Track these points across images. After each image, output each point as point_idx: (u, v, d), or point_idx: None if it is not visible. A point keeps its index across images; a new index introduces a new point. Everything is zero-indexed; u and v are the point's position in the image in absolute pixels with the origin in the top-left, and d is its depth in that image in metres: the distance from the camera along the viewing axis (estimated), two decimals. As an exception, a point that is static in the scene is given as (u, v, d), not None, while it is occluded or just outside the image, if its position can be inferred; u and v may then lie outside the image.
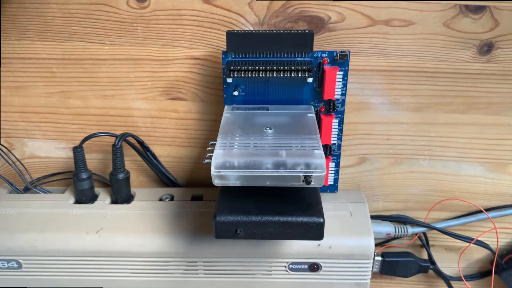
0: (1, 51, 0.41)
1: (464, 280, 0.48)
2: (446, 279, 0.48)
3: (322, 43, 0.40)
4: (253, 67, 0.35)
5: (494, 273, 0.47)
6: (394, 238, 0.46)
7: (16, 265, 0.39)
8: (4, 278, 0.40)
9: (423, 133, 0.43)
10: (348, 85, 0.39)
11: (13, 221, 0.40)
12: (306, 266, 0.39)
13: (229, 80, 0.37)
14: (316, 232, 0.31)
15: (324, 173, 0.29)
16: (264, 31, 0.35)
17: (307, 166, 0.30)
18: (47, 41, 0.41)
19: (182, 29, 0.40)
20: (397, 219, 0.46)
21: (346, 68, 0.38)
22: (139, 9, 0.39)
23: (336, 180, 0.42)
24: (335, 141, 0.40)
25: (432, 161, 0.44)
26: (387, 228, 0.45)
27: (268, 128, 0.34)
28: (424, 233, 0.47)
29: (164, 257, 0.39)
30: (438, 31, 0.39)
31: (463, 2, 0.38)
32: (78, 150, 0.41)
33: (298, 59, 0.36)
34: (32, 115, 0.44)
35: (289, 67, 0.35)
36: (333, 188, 0.43)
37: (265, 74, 0.35)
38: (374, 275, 0.48)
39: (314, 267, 0.39)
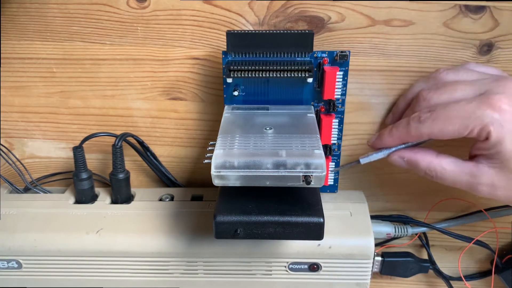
0: (1, 51, 0.41)
1: (464, 280, 0.48)
2: (446, 279, 0.48)
3: (322, 43, 0.40)
4: (253, 67, 0.35)
5: (494, 273, 0.47)
6: (394, 238, 0.46)
7: (16, 265, 0.39)
8: (4, 278, 0.40)
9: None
10: (348, 85, 0.39)
11: (13, 221, 0.40)
12: (306, 266, 0.39)
13: (229, 80, 0.37)
14: (316, 232, 0.31)
15: (324, 173, 0.29)
16: (264, 31, 0.35)
17: (307, 166, 0.30)
18: (47, 41, 0.41)
19: (182, 29, 0.40)
20: (397, 219, 0.46)
21: (346, 68, 0.38)
22: (139, 9, 0.39)
23: (336, 180, 0.42)
24: (335, 141, 0.40)
25: (432, 161, 0.44)
26: (387, 228, 0.45)
27: (268, 128, 0.34)
28: (424, 233, 0.47)
29: (164, 257, 0.39)
30: (438, 31, 0.39)
31: (463, 2, 0.38)
32: (78, 150, 0.41)
33: (298, 59, 0.36)
34: (32, 115, 0.44)
35: (289, 67, 0.35)
36: (333, 188, 0.43)
37: (265, 74, 0.35)
38: (374, 275, 0.48)
39: (314, 267, 0.39)
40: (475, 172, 0.33)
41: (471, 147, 0.34)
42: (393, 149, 0.36)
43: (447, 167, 0.34)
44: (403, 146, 0.36)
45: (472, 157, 0.34)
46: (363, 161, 0.37)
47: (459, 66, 0.39)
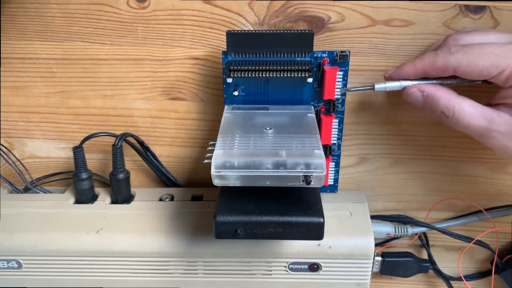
0: (1, 51, 0.41)
1: (464, 280, 0.48)
2: (446, 279, 0.48)
3: (322, 43, 0.40)
4: (253, 67, 0.35)
5: (494, 273, 0.47)
6: (394, 238, 0.46)
7: (16, 265, 0.39)
8: (4, 278, 0.40)
9: (423, 133, 0.43)
10: (348, 85, 0.39)
11: (13, 221, 0.40)
12: (306, 266, 0.39)
13: (229, 80, 0.37)
14: (316, 232, 0.31)
15: (324, 173, 0.29)
16: (264, 31, 0.35)
17: (307, 166, 0.30)
18: (47, 41, 0.41)
19: (182, 29, 0.40)
20: (397, 219, 0.46)
21: (346, 68, 0.38)
22: (139, 9, 0.39)
23: (336, 180, 0.42)
24: (335, 141, 0.40)
25: (432, 161, 0.44)
26: (387, 228, 0.45)
27: (268, 128, 0.34)
28: (424, 233, 0.47)
29: (164, 257, 0.39)
30: (438, 31, 0.39)
31: (463, 2, 0.38)
32: (78, 150, 0.41)
33: (298, 59, 0.36)
34: (32, 115, 0.44)
35: (289, 67, 0.35)
36: (333, 188, 0.43)
37: (265, 74, 0.35)
38: (374, 275, 0.48)
39: (314, 267, 0.39)
40: (495, 117, 0.32)
41: (493, 96, 0.34)
42: (412, 82, 0.35)
43: (466, 108, 0.33)
44: (423, 82, 0.35)
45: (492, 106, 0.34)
46: (378, 87, 0.36)
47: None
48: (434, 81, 0.35)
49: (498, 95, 0.33)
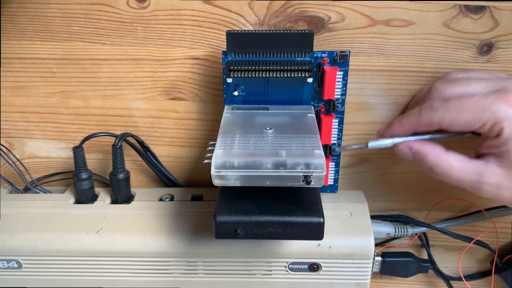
0: (1, 51, 0.41)
1: (464, 280, 0.48)
2: (446, 279, 0.48)
3: (322, 43, 0.40)
4: (253, 67, 0.35)
5: (494, 273, 0.47)
6: (394, 238, 0.46)
7: (16, 265, 0.39)
8: (4, 278, 0.40)
9: (423, 133, 0.43)
10: (348, 85, 0.39)
11: (13, 221, 0.40)
12: (306, 266, 0.39)
13: (229, 80, 0.37)
14: (316, 232, 0.31)
15: (324, 173, 0.29)
16: (264, 31, 0.35)
17: (307, 166, 0.30)
18: (47, 41, 0.41)
19: (182, 29, 0.40)
20: (397, 219, 0.46)
21: (346, 68, 0.38)
22: (139, 9, 0.39)
23: (336, 180, 0.42)
24: (335, 141, 0.40)
25: (432, 161, 0.44)
26: (387, 228, 0.45)
27: (268, 128, 0.34)
28: (424, 233, 0.47)
29: (164, 257, 0.39)
30: (438, 31, 0.39)
31: (463, 2, 0.38)
32: (78, 150, 0.41)
33: (298, 59, 0.36)
34: (32, 115, 0.44)
35: (289, 67, 0.35)
36: (333, 188, 0.43)
37: (265, 74, 0.35)
38: (374, 275, 0.48)
39: (314, 267, 0.39)
40: (483, 170, 0.32)
41: (480, 145, 0.34)
42: (402, 139, 0.36)
43: (454, 164, 0.33)
44: (413, 138, 0.36)
45: (479, 156, 0.34)
46: (371, 145, 0.37)
47: (469, 69, 0.39)
48: (425, 136, 0.35)
49: (485, 144, 0.33)
